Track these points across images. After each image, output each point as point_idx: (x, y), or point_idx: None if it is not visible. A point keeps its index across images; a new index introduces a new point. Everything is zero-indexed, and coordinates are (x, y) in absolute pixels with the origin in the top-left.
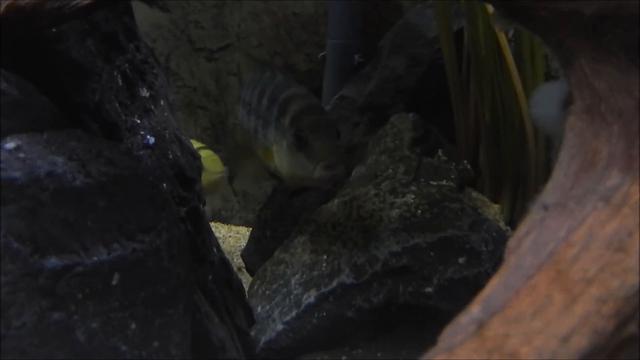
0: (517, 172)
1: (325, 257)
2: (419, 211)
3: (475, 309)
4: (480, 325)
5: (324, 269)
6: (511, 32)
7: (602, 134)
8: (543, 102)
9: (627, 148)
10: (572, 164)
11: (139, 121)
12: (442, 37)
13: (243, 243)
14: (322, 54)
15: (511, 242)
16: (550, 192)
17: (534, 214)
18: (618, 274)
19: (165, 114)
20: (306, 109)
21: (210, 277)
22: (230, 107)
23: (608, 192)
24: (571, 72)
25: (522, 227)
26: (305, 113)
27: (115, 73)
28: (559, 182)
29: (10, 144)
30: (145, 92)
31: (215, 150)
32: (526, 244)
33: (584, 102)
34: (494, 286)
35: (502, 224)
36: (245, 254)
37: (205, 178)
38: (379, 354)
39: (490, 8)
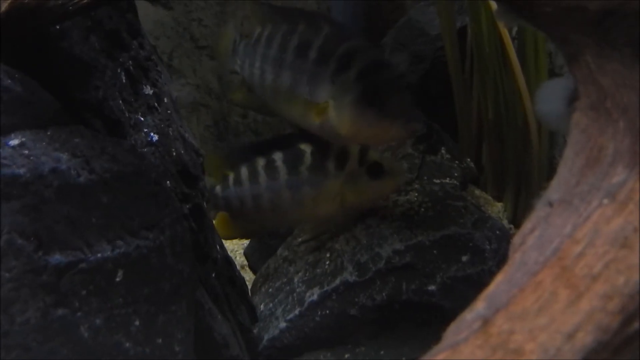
0: (520, 170)
1: (328, 255)
2: (422, 209)
3: (480, 306)
4: (485, 321)
5: (327, 266)
6: (515, 30)
7: (607, 130)
8: (548, 98)
9: (632, 144)
10: (577, 161)
11: (142, 118)
12: (445, 34)
13: (246, 241)
14: None
15: (516, 239)
16: (555, 189)
17: (539, 211)
18: (623, 270)
19: (169, 111)
20: (375, 63)
21: (213, 275)
22: (233, 105)
23: (613, 189)
24: (576, 68)
25: (527, 224)
26: (374, 67)
27: (119, 70)
28: (564, 179)
29: (14, 141)
30: (148, 90)
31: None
32: (531, 241)
33: (589, 98)
34: (498, 283)
35: (505, 222)
36: (248, 251)
37: (390, 185)
38: (381, 352)
39: (493, 5)
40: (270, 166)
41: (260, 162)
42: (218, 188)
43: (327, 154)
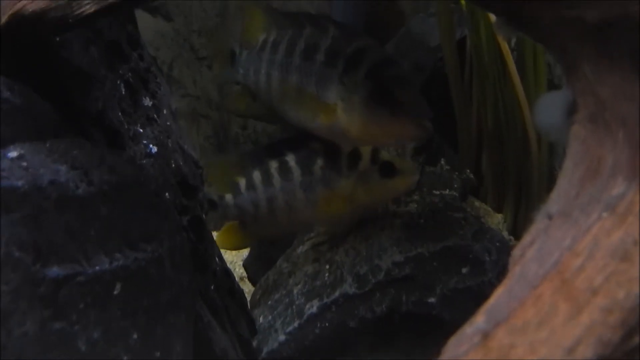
0: (520, 180)
1: (327, 266)
2: (422, 220)
3: (479, 320)
4: (485, 335)
5: (326, 278)
6: (513, 41)
7: (606, 142)
8: (547, 110)
9: (631, 156)
10: (577, 173)
11: (141, 130)
12: (444, 45)
13: (245, 253)
14: None
15: (515, 252)
16: (554, 201)
17: (539, 223)
18: (624, 283)
19: (168, 122)
20: (383, 62)
21: (212, 287)
22: (232, 115)
23: (613, 201)
24: (575, 80)
25: (527, 237)
26: (383, 66)
27: (119, 81)
28: (564, 191)
29: (13, 153)
30: (148, 101)
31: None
32: (530, 254)
33: (588, 110)
34: (498, 296)
35: (505, 234)
36: (247, 263)
37: (402, 184)
38: None
39: (492, 16)
40: (283, 168)
41: (273, 164)
42: (228, 197)
43: (339, 153)
